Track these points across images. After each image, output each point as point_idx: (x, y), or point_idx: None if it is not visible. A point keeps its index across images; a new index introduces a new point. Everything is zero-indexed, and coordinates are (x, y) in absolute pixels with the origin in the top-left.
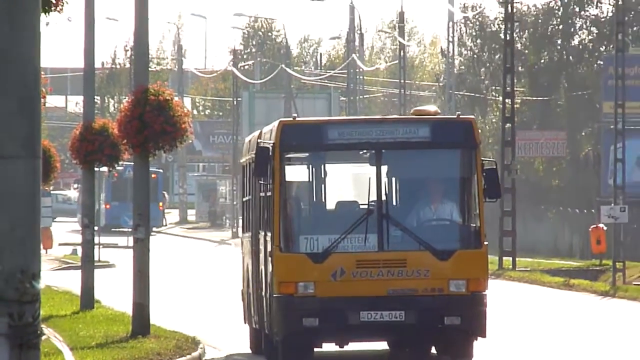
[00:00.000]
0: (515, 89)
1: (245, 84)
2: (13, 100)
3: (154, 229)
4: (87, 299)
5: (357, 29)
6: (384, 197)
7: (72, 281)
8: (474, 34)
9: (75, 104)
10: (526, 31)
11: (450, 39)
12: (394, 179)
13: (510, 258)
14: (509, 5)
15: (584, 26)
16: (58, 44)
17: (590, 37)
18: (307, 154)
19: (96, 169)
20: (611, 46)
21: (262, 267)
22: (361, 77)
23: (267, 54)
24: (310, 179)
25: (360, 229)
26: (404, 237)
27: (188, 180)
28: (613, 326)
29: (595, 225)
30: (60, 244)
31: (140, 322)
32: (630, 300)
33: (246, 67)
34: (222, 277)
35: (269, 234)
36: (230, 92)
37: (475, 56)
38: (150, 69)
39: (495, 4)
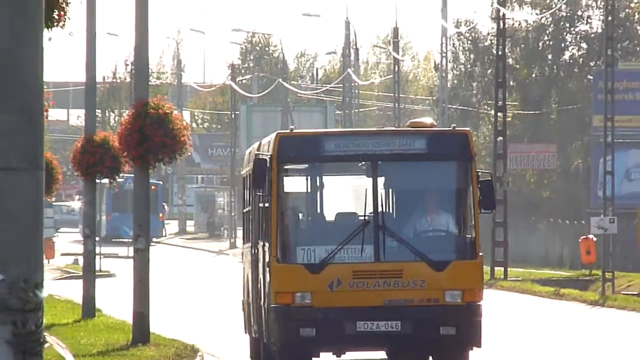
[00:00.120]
0: (507, 102)
1: (243, 98)
2: (17, 113)
3: (154, 239)
4: (89, 308)
5: (352, 44)
6: (380, 209)
7: (73, 290)
8: (466, 49)
9: (76, 117)
10: (518, 46)
11: (444, 54)
12: (390, 191)
13: (502, 268)
14: (501, 21)
15: (574, 42)
16: (60, 58)
17: (580, 53)
18: (304, 166)
19: (97, 180)
20: (600, 61)
21: (261, 277)
22: (356, 91)
23: (264, 69)
24: (308, 191)
25: (356, 240)
26: (400, 248)
27: (187, 192)
28: (603, 335)
29: (585, 236)
30: (62, 254)
31: (141, 330)
32: (619, 310)
33: (244, 81)
34: (221, 287)
35: (267, 245)
36: (228, 105)
37: (467, 71)
38: (150, 83)
39: (487, 20)
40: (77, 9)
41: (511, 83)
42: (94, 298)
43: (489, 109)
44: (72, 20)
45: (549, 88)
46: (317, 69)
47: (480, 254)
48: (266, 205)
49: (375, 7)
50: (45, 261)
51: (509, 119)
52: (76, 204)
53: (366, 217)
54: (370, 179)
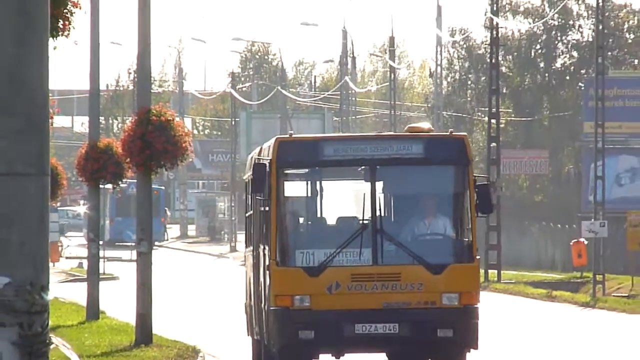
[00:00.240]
0: (500, 109)
1: (243, 105)
2: (23, 120)
3: (156, 243)
4: (93, 310)
5: (349, 52)
6: (378, 212)
7: (78, 293)
8: (461, 57)
9: (81, 124)
10: (511, 55)
11: (439, 62)
12: (388, 195)
13: (496, 271)
14: (494, 30)
15: (566, 50)
16: (65, 67)
17: (571, 61)
18: (303, 170)
19: (101, 186)
20: (591, 69)
21: (261, 280)
22: (353, 98)
23: (263, 77)
24: (307, 195)
25: (355, 244)
26: (398, 252)
27: (188, 197)
28: (594, 335)
29: (576, 240)
30: (67, 257)
31: (143, 332)
32: (610, 311)
33: (244, 89)
34: (221, 289)
35: (267, 248)
36: (228, 112)
37: (462, 78)
38: (152, 91)
39: (481, 29)
40: (81, 18)
41: (504, 90)
42: (98, 300)
43: (482, 115)
44: (77, 29)
45: (541, 95)
46: (315, 76)
47: (477, 257)
48: (266, 209)
49: (372, 17)
50: (50, 264)
51: (502, 125)
52: (81, 209)
53: (364, 221)
54: (369, 183)
